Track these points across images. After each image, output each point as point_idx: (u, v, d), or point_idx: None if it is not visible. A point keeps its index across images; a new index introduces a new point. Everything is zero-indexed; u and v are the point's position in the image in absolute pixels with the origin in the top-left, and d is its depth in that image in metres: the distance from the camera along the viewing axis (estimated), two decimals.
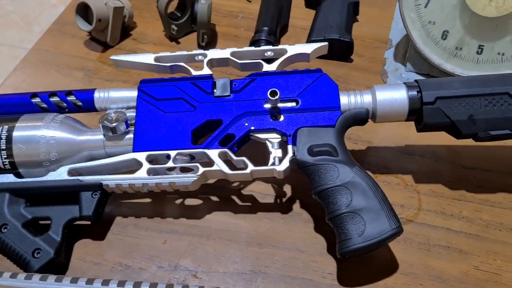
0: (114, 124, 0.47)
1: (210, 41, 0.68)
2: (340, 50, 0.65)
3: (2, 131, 0.46)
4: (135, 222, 0.50)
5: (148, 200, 0.52)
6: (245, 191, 0.52)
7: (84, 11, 0.66)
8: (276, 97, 0.46)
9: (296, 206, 0.51)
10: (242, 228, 0.49)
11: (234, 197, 0.52)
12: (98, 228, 0.49)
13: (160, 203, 0.51)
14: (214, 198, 0.52)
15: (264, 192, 0.52)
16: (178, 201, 0.52)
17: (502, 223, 0.49)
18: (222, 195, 0.52)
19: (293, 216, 0.50)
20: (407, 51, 0.65)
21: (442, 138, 0.51)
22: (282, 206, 0.51)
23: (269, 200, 0.52)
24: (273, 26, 0.67)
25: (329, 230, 0.47)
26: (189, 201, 0.52)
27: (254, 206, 0.51)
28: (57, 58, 0.67)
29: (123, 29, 0.69)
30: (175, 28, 0.68)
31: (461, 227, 0.49)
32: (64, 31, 0.71)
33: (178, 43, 0.69)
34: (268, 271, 0.46)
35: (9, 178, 0.46)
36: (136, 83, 0.63)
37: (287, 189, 0.52)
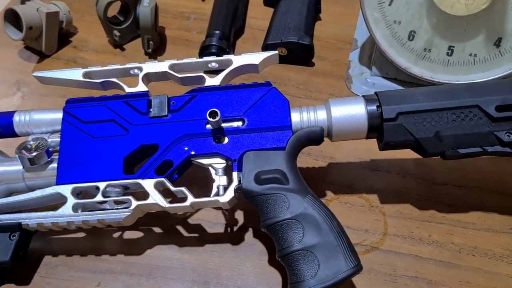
0: (34, 154, 0.41)
1: (157, 48, 0.62)
2: (300, 54, 0.60)
3: None
4: (66, 261, 0.44)
5: (81, 234, 0.46)
6: (192, 220, 0.47)
7: (14, 18, 0.59)
8: (217, 119, 0.40)
9: (249, 235, 0.46)
10: (187, 264, 0.44)
11: (179, 228, 0.46)
12: (23, 270, 0.43)
13: (95, 237, 0.46)
14: (157, 230, 0.46)
15: (213, 221, 0.47)
16: (116, 235, 0.46)
17: (475, 247, 0.44)
18: (165, 226, 0.46)
19: (245, 248, 0.45)
20: (373, 53, 0.59)
21: (410, 151, 0.46)
22: (232, 236, 0.46)
23: (218, 230, 0.46)
24: (226, 29, 0.61)
25: None
26: (129, 234, 0.46)
27: (201, 238, 0.46)
28: None
29: (61, 36, 0.62)
30: (118, 33, 0.61)
31: (431, 253, 0.44)
32: None
33: (122, 49, 0.63)
34: None
35: None
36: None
37: (239, 215, 0.47)
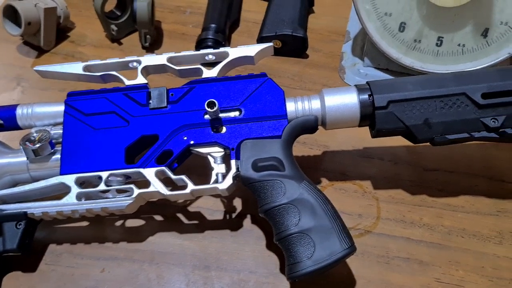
0: (37, 145, 0.42)
1: (154, 41, 0.63)
2: (294, 46, 0.61)
3: None
4: (70, 249, 0.46)
5: (84, 223, 0.47)
6: (192, 208, 0.48)
7: (12, 14, 0.60)
8: (215, 109, 0.41)
9: (247, 221, 0.47)
10: (188, 250, 0.45)
11: (180, 215, 0.48)
12: (29, 258, 0.45)
13: (98, 226, 0.47)
14: (158, 217, 0.48)
15: (212, 208, 0.48)
16: (118, 223, 0.47)
17: (464, 229, 0.46)
18: (166, 214, 0.48)
19: (244, 233, 0.46)
20: (365, 45, 0.61)
21: (402, 139, 0.47)
22: (231, 223, 0.47)
23: (217, 217, 0.48)
24: (222, 22, 0.62)
25: None
26: (131, 222, 0.47)
27: (201, 224, 0.47)
28: None
29: (58, 31, 0.63)
30: (115, 28, 0.62)
31: (422, 235, 0.46)
32: None
33: (120, 44, 0.64)
34: None
35: None
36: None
37: (237, 203, 0.49)
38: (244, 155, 0.42)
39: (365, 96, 0.43)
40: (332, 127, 0.44)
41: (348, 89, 0.44)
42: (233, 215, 0.48)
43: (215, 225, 0.47)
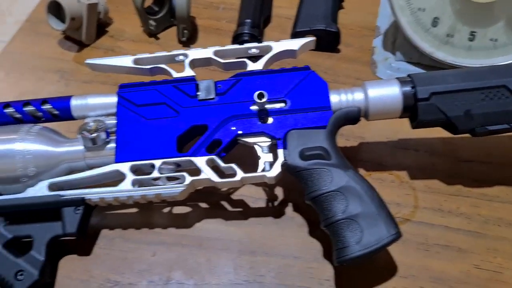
0: (94, 135, 0.44)
1: (191, 36, 0.65)
2: (327, 41, 0.63)
3: None
4: (122, 234, 0.48)
5: (134, 210, 0.49)
6: (235, 196, 0.50)
7: (56, 9, 0.62)
8: (264, 100, 0.43)
9: (289, 209, 0.49)
10: (234, 236, 0.47)
11: (224, 203, 0.50)
12: (83, 242, 0.47)
13: (147, 212, 0.49)
14: (203, 205, 0.50)
15: (255, 196, 0.50)
16: (166, 210, 0.49)
17: (501, 218, 0.48)
18: (211, 201, 0.50)
19: (286, 221, 0.48)
20: (396, 39, 0.62)
21: (436, 131, 0.49)
22: (274, 210, 0.49)
23: (260, 204, 0.50)
24: (256, 17, 0.64)
25: (324, 234, 0.45)
26: (178, 209, 0.49)
27: (245, 212, 0.49)
28: (30, 60, 0.64)
29: (98, 26, 0.65)
30: (153, 23, 0.64)
31: (460, 224, 0.47)
32: (36, 30, 0.68)
33: (157, 38, 0.66)
34: (263, 280, 0.45)
35: None
36: (115, 84, 0.60)
37: (279, 191, 0.50)
38: (291, 144, 0.44)
39: (408, 88, 0.44)
40: (374, 118, 0.46)
41: (390, 81, 0.45)
42: (275, 203, 0.50)
43: (258, 212, 0.49)
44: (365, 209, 0.40)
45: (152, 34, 0.66)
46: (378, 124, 0.54)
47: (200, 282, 0.44)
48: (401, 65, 0.61)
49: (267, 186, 0.51)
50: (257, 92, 0.43)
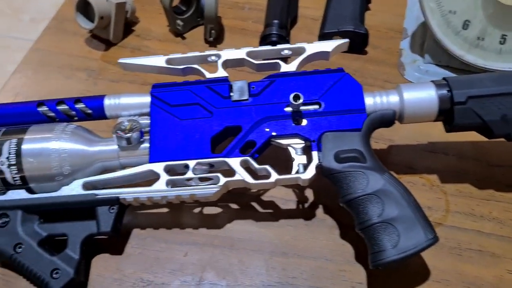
0: (129, 134, 0.44)
1: (217, 36, 0.65)
2: (355, 43, 0.62)
3: (10, 144, 0.44)
4: (154, 234, 0.48)
5: (165, 210, 0.50)
6: (265, 197, 0.50)
7: (84, 8, 0.62)
8: (300, 101, 0.43)
9: (320, 211, 0.49)
10: (265, 237, 0.47)
11: (254, 204, 0.50)
12: (115, 241, 0.47)
13: (178, 212, 0.49)
14: (234, 206, 0.50)
15: (285, 198, 0.50)
16: (197, 210, 0.49)
17: None
18: (241, 202, 0.50)
19: (317, 223, 0.48)
20: (425, 42, 0.62)
21: (466, 135, 0.49)
22: (304, 212, 0.49)
23: (290, 206, 0.50)
24: (284, 18, 0.64)
25: (356, 236, 0.45)
26: (208, 210, 0.50)
27: (275, 213, 0.49)
28: (58, 59, 0.64)
29: (125, 25, 0.66)
30: (181, 23, 0.64)
31: (492, 229, 0.47)
32: (63, 28, 0.68)
33: (183, 38, 0.66)
34: (296, 282, 0.45)
35: (21, 194, 0.44)
36: (143, 83, 0.61)
37: (309, 193, 0.50)
38: (325, 146, 0.44)
39: (444, 92, 0.44)
40: (408, 121, 0.46)
41: (425, 85, 0.45)
42: (306, 205, 0.50)
43: (289, 214, 0.49)
44: (402, 213, 0.40)
45: (179, 33, 0.66)
46: (407, 127, 0.54)
47: (233, 283, 0.45)
48: (430, 67, 0.61)
49: (297, 188, 0.51)
50: (293, 94, 0.43)
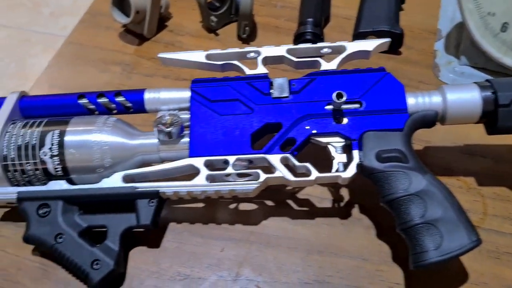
0: (170, 129, 0.45)
1: (250, 33, 0.65)
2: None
3: (53, 135, 0.44)
4: (190, 228, 0.48)
5: (200, 205, 0.50)
6: (300, 195, 0.50)
7: (119, 2, 0.63)
8: (342, 100, 0.43)
9: (355, 211, 0.49)
10: (301, 235, 0.47)
11: (290, 201, 0.50)
12: (152, 235, 0.47)
13: (213, 208, 0.49)
14: (269, 203, 0.50)
15: (320, 196, 0.50)
16: (232, 206, 0.49)
17: None
18: (277, 199, 0.50)
19: (353, 222, 0.48)
20: (460, 43, 0.62)
21: (505, 137, 0.48)
22: (340, 211, 0.49)
23: (326, 205, 0.49)
24: (318, 17, 0.64)
25: (393, 237, 0.45)
26: (244, 206, 0.50)
27: (311, 211, 0.49)
28: (92, 52, 0.65)
29: (159, 20, 0.66)
30: (215, 19, 0.65)
31: None
32: (97, 22, 0.68)
33: (216, 34, 0.66)
34: (332, 280, 0.44)
35: (62, 185, 0.44)
36: (177, 78, 0.61)
37: (345, 192, 0.50)
38: (367, 146, 0.43)
39: (488, 93, 0.44)
40: (450, 123, 0.45)
41: (469, 86, 0.45)
42: (341, 204, 0.49)
43: (325, 213, 0.49)
44: (445, 214, 0.40)
45: (212, 30, 0.66)
46: (444, 128, 0.54)
47: (269, 279, 0.45)
48: (465, 69, 0.61)
49: (332, 187, 0.50)
50: (336, 92, 0.43)
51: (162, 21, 0.67)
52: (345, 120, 0.45)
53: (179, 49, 0.64)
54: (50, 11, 1.76)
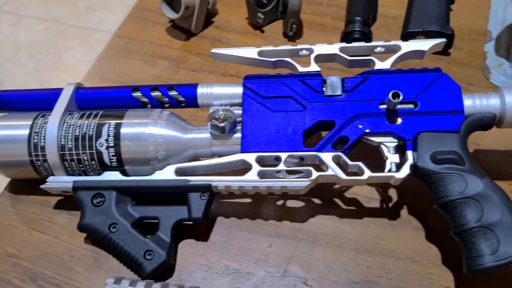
0: (224, 124, 0.45)
1: (296, 31, 0.65)
2: None
3: (109, 127, 0.45)
4: (238, 223, 0.48)
5: (248, 200, 0.50)
6: (348, 194, 0.50)
7: None
8: (398, 100, 0.43)
9: (404, 212, 0.48)
10: (349, 234, 0.47)
11: (337, 200, 0.50)
12: (201, 228, 0.48)
13: (261, 204, 0.50)
14: (317, 201, 0.50)
15: (368, 196, 0.50)
16: (279, 203, 0.50)
17: None
18: (324, 198, 0.50)
19: (402, 223, 0.48)
20: (511, 45, 0.60)
21: None
22: (389, 212, 0.49)
23: (374, 205, 0.49)
24: (366, 15, 0.63)
25: (443, 240, 0.44)
26: (291, 203, 0.50)
27: (359, 211, 0.49)
28: (140, 46, 0.66)
29: (206, 16, 0.66)
30: (262, 16, 0.65)
31: None
32: (144, 17, 0.69)
33: (262, 31, 0.67)
34: (381, 281, 0.44)
35: (117, 176, 0.45)
36: (223, 74, 0.62)
37: (393, 193, 0.50)
38: (422, 147, 0.43)
39: None
40: (507, 126, 0.44)
41: None
42: (390, 205, 0.49)
43: (373, 213, 0.48)
44: (502, 219, 0.39)
45: (258, 26, 0.66)
46: (494, 132, 0.53)
47: (317, 277, 0.45)
48: None
49: (381, 187, 0.50)
50: (392, 92, 0.43)
51: (208, 17, 0.68)
52: (399, 120, 0.44)
53: (225, 45, 0.65)
54: (86, 5, 1.79)
